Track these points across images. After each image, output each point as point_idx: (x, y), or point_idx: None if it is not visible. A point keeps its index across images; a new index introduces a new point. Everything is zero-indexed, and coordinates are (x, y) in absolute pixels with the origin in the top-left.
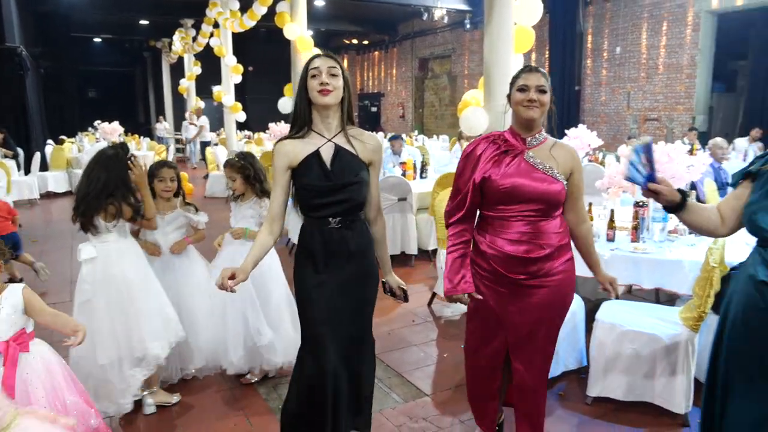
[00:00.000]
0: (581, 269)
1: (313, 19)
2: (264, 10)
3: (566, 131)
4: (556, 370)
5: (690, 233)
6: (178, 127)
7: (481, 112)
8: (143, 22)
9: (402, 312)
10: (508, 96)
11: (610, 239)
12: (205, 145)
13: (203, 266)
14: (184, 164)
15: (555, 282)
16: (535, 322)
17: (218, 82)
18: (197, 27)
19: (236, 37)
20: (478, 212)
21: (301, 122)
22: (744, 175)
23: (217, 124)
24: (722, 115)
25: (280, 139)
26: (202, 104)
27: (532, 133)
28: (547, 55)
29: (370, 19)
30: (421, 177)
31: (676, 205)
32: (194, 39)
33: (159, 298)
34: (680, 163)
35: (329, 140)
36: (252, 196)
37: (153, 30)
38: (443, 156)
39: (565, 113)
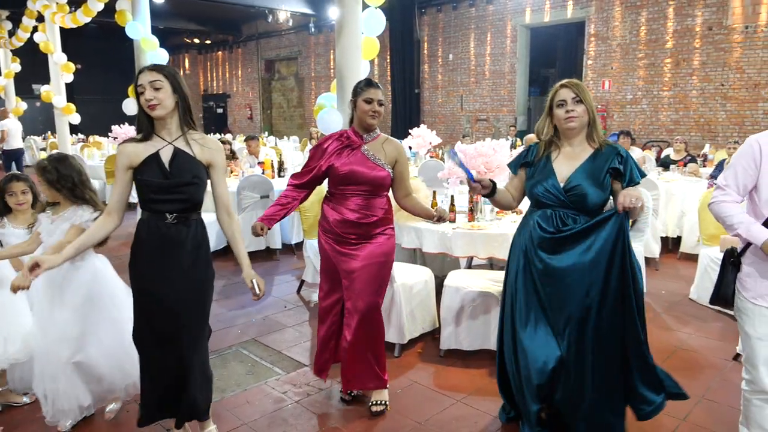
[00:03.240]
0: (434, 246)
1: (151, 15)
2: (101, 6)
3: (410, 131)
4: (414, 332)
5: (512, 212)
6: None
7: (335, 113)
8: None
9: (274, 301)
10: (354, 102)
11: (452, 220)
12: (9, 154)
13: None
14: (1, 172)
15: (378, 243)
16: (360, 269)
17: (41, 80)
18: (14, 20)
19: (62, 31)
20: (326, 189)
21: (141, 127)
22: (521, 165)
23: (41, 127)
24: (539, 116)
25: (124, 141)
26: (24, 105)
27: (369, 132)
28: (389, 60)
29: (212, 18)
30: (279, 176)
31: (491, 192)
32: (12, 33)
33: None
34: (503, 155)
35: (169, 143)
36: (68, 206)
37: None
38: (296, 156)
39: (408, 114)
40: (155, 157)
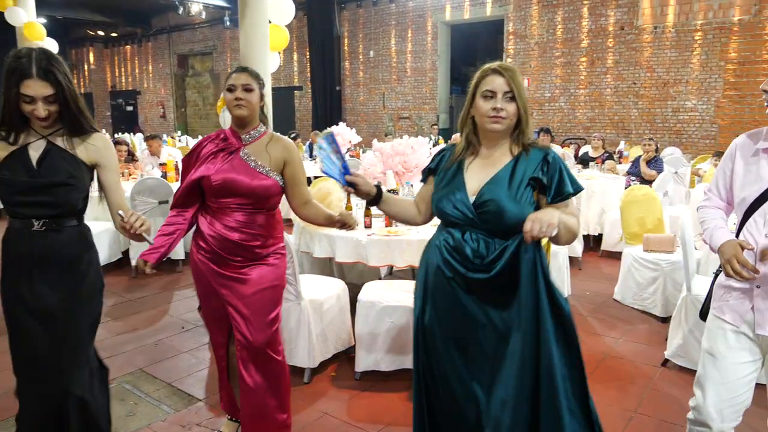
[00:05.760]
0: (348, 255)
1: (46, 4)
2: None
3: (329, 129)
4: (326, 353)
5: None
6: None
7: None
8: None
9: (170, 321)
10: (224, 95)
11: (368, 226)
12: None
13: None
14: None
15: (266, 265)
16: (249, 296)
17: None
18: None
19: None
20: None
21: (11, 127)
22: (428, 171)
23: None
24: (460, 114)
25: None
26: None
27: (247, 129)
28: (308, 56)
29: (118, 9)
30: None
31: (375, 198)
32: None
33: None
34: (422, 154)
35: (43, 137)
36: None
37: None
38: None
39: (329, 112)
40: (22, 151)
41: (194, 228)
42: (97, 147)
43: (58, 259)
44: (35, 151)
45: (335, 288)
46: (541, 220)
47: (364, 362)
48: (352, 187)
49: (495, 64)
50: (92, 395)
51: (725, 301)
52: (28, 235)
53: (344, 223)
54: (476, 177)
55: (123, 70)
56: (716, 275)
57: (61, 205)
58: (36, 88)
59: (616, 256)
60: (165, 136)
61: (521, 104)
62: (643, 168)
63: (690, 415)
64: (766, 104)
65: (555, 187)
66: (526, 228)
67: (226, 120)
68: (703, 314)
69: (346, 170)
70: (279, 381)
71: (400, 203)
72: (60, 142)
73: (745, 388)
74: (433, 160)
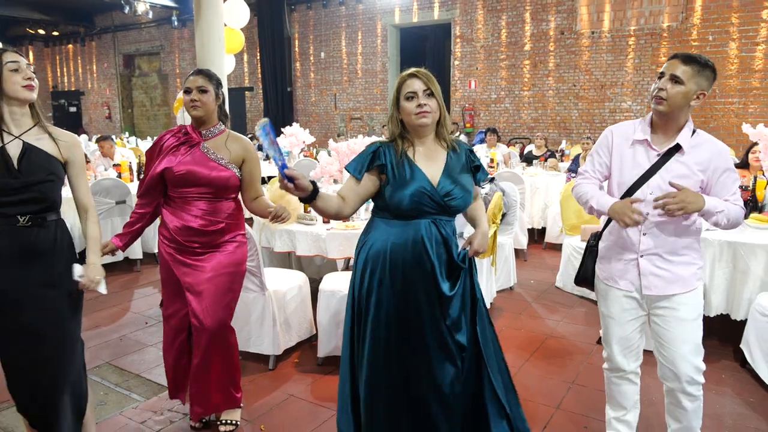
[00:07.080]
0: (308, 249)
1: None
2: None
3: (282, 129)
4: (289, 341)
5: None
6: None
7: None
8: None
9: (133, 317)
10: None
11: (326, 222)
12: None
13: None
14: None
15: (227, 252)
16: (208, 282)
17: None
18: None
19: None
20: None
21: None
22: (374, 167)
23: None
24: (388, 119)
25: None
26: None
27: (206, 127)
28: (258, 57)
29: (59, 7)
30: (139, 178)
31: (311, 195)
32: None
33: None
34: None
35: (17, 137)
36: None
37: None
38: None
39: (280, 113)
40: (2, 152)
41: (160, 222)
42: (67, 143)
43: (43, 253)
44: (13, 151)
45: (297, 280)
46: (483, 247)
47: (325, 347)
48: (290, 181)
49: (411, 70)
50: (71, 384)
51: (615, 270)
52: (14, 230)
53: (277, 215)
54: (427, 169)
55: (65, 69)
56: (588, 248)
57: (46, 200)
58: (22, 59)
59: (558, 247)
60: (114, 137)
61: (439, 100)
62: (583, 165)
63: (605, 365)
64: (651, 99)
65: (482, 172)
66: (474, 248)
67: (185, 119)
68: (578, 281)
69: (284, 165)
70: (229, 359)
71: (329, 199)
72: (33, 141)
73: (638, 336)
74: (376, 156)
